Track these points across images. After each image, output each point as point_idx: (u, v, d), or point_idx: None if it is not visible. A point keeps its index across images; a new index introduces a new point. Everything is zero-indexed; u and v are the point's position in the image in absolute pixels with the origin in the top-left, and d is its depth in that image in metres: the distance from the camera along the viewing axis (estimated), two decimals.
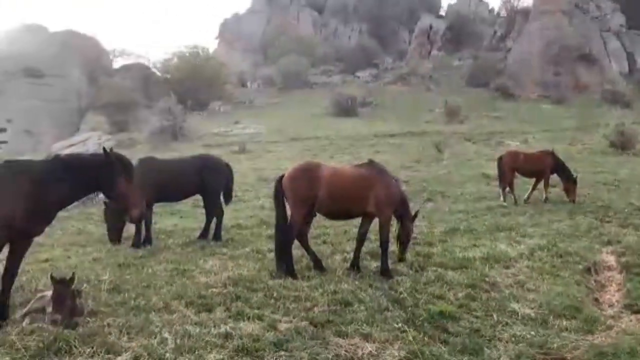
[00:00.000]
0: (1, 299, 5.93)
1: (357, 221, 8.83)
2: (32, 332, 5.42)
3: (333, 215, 8.70)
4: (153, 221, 10.80)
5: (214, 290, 7.14)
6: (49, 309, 5.65)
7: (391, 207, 8.29)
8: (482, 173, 19.05)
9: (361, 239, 8.59)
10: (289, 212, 8.26)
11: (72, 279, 5.63)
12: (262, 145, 29.94)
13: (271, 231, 10.98)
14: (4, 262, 6.04)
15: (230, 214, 12.08)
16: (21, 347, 5.03)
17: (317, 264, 8.33)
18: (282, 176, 8.36)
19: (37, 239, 10.85)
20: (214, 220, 10.79)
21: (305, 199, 8.04)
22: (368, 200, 8.11)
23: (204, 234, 10.81)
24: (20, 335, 5.31)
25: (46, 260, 9.14)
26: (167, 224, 12.59)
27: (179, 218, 13.71)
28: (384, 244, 8.30)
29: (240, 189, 16.51)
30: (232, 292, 7.01)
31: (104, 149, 6.24)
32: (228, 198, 11.32)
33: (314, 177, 8.02)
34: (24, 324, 5.64)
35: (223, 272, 7.95)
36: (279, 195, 8.32)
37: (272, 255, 9.15)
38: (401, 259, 8.47)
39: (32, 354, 4.93)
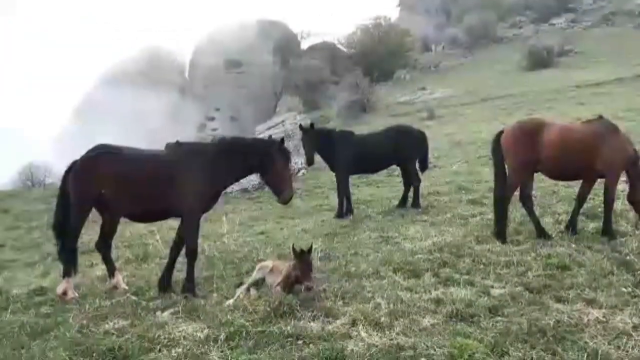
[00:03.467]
0: (169, 268, 6.67)
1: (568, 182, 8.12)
2: (260, 297, 6.00)
3: (557, 175, 8.09)
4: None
5: (420, 256, 7.14)
6: (272, 278, 6.18)
7: (621, 167, 7.40)
8: None
9: (582, 199, 7.86)
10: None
11: (310, 250, 5.95)
12: (451, 109, 29.12)
13: (471, 196, 10.77)
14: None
15: (427, 181, 11.99)
16: (252, 311, 5.60)
17: (540, 230, 7.70)
18: (501, 132, 7.94)
19: (253, 214, 12.08)
20: (412, 188, 10.81)
21: (525, 160, 7.57)
22: (596, 159, 7.32)
23: (402, 202, 10.90)
24: (250, 300, 5.91)
25: (262, 233, 10.04)
26: (364, 194, 12.95)
27: (376, 188, 14.02)
28: (609, 203, 7.48)
29: (433, 156, 16.29)
30: (439, 258, 6.95)
31: (270, 136, 6.84)
32: (424, 166, 11.24)
33: (537, 137, 7.45)
34: (251, 292, 6.21)
35: (427, 239, 7.93)
36: (496, 154, 7.93)
37: (475, 220, 8.92)
38: None
39: (261, 316, 5.45)
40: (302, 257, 5.80)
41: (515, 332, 4.77)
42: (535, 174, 7.96)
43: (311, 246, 5.93)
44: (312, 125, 10.89)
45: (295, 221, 10.84)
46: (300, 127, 11.01)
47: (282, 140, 6.61)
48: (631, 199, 7.51)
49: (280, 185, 6.47)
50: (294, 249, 5.89)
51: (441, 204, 10.62)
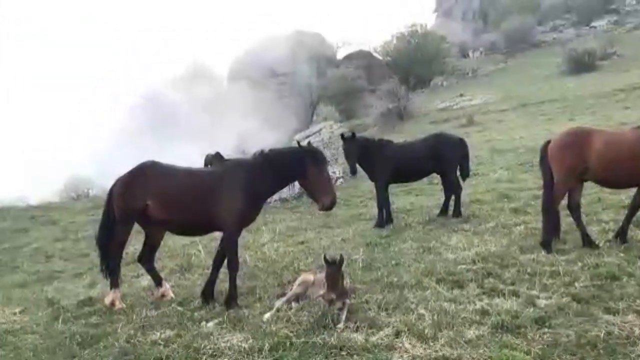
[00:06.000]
0: (213, 279, 6.75)
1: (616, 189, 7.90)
2: (303, 308, 6.03)
3: (607, 184, 7.93)
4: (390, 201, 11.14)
5: (463, 266, 7.05)
6: (314, 291, 6.18)
7: None
8: None
9: (635, 208, 7.62)
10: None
11: (341, 261, 5.88)
12: (490, 116, 28.69)
13: (514, 204, 10.58)
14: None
15: (467, 189, 11.83)
16: (296, 322, 5.64)
17: (587, 239, 7.53)
18: (549, 142, 7.89)
19: (292, 224, 12.15)
20: (452, 196, 10.70)
21: (572, 170, 7.48)
22: None
23: (444, 211, 10.79)
24: (294, 311, 5.95)
25: (302, 243, 10.06)
26: (404, 203, 12.86)
27: (415, 196, 13.91)
28: None
29: (474, 163, 16.07)
30: (483, 269, 6.84)
31: (298, 142, 6.73)
32: (465, 173, 11.10)
33: (584, 146, 7.36)
34: (293, 304, 6.21)
35: (470, 249, 7.81)
36: (544, 162, 7.87)
37: (519, 229, 8.75)
38: None
39: (305, 328, 5.48)
40: (329, 267, 5.76)
41: (564, 344, 4.66)
42: (583, 183, 7.81)
43: (341, 257, 5.86)
44: (353, 134, 10.91)
45: (335, 231, 10.85)
46: (342, 136, 11.03)
47: (312, 146, 6.67)
48: None
49: (319, 191, 6.42)
50: (325, 259, 5.86)
51: (483, 213, 10.46)
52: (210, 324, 5.88)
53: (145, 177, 6.73)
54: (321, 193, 6.40)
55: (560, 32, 57.15)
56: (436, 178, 12.44)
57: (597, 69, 36.79)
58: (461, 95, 38.56)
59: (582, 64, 37.16)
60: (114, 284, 6.99)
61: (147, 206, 6.61)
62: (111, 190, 7.04)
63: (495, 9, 64.07)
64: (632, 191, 7.74)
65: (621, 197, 9.56)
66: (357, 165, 10.74)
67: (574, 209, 7.75)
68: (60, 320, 6.66)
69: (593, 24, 55.92)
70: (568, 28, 57.86)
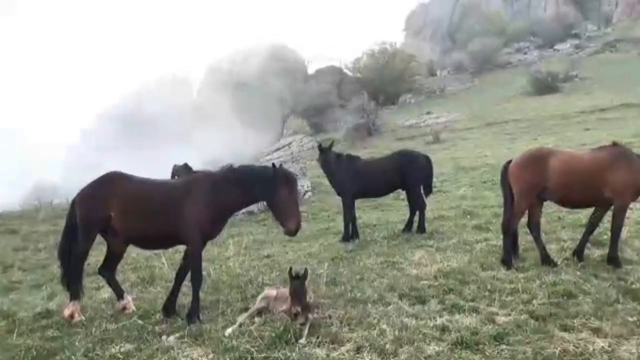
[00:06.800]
0: (175, 293, 6.68)
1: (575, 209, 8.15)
2: (265, 323, 6.01)
3: (565, 203, 8.12)
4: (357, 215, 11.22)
5: (425, 282, 7.15)
6: (277, 306, 6.17)
7: (630, 194, 7.39)
8: None
9: (592, 227, 7.89)
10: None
11: (305, 276, 5.90)
12: (456, 134, 29.25)
13: (476, 221, 10.79)
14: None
15: (432, 205, 12.02)
16: (258, 336, 5.61)
17: (546, 258, 7.72)
18: (510, 161, 8.09)
19: (259, 237, 12.11)
20: (417, 212, 10.85)
21: (531, 189, 7.67)
22: (604, 187, 7.31)
23: (408, 227, 10.93)
24: (257, 326, 5.92)
25: (268, 256, 10.04)
26: (370, 218, 12.97)
27: (381, 212, 14.05)
28: (616, 230, 7.46)
29: (439, 180, 16.34)
30: (444, 285, 6.95)
31: (273, 164, 6.59)
32: (428, 190, 11.29)
33: (543, 166, 7.55)
34: (256, 319, 6.17)
35: (432, 265, 7.92)
36: (505, 182, 8.06)
37: (480, 246, 8.93)
38: None
39: (267, 342, 5.46)
40: (294, 282, 5.78)
41: None
42: (543, 202, 8.03)
43: (306, 271, 5.89)
44: (331, 145, 11.09)
45: (301, 245, 10.86)
46: (319, 146, 11.16)
47: (281, 166, 6.54)
48: None
49: (286, 215, 6.28)
50: (290, 273, 5.88)
51: (446, 229, 10.64)
52: (171, 338, 5.80)
53: (109, 188, 6.63)
54: (288, 217, 6.26)
55: (525, 54, 58.83)
56: (402, 194, 12.61)
57: (560, 90, 37.93)
58: (428, 113, 39.24)
59: (545, 86, 38.30)
60: (74, 296, 6.83)
61: (110, 218, 6.51)
62: (74, 200, 6.91)
63: (463, 30, 65.52)
64: (590, 210, 8.00)
65: (579, 216, 9.86)
66: (325, 179, 10.84)
67: (534, 227, 7.94)
68: (15, 333, 6.46)
69: (556, 47, 57.75)
70: (532, 50, 59.64)
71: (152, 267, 9.67)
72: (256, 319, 6.13)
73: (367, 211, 14.00)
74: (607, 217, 7.84)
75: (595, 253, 8.05)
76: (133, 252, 10.33)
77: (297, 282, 5.77)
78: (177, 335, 5.87)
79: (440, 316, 5.89)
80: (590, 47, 54.25)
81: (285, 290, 6.11)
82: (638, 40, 48.97)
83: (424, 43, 71.21)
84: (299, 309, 5.64)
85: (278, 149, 23.99)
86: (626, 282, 6.68)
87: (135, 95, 56.30)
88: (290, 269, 5.95)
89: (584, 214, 9.10)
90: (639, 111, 26.25)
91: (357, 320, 5.89)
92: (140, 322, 6.46)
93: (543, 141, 21.07)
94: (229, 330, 5.82)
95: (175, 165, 16.10)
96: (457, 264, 7.87)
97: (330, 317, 6.07)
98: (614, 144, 7.70)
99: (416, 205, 10.86)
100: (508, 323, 5.61)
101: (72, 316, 6.72)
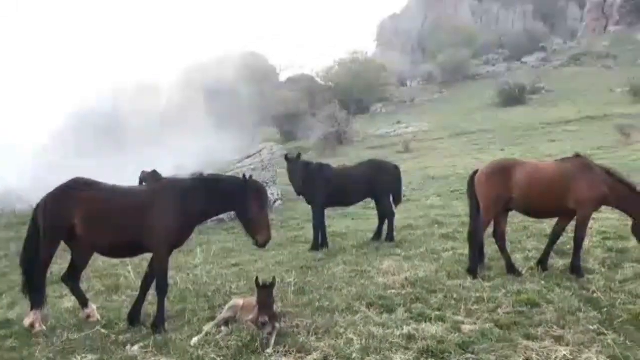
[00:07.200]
0: (140, 301, 6.60)
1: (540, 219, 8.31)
2: (232, 332, 5.95)
3: (530, 213, 8.29)
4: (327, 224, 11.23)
5: (393, 291, 7.19)
6: (244, 315, 6.11)
7: (594, 205, 7.61)
8: None
9: (555, 237, 8.04)
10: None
11: (273, 284, 5.86)
12: (426, 143, 29.62)
13: (444, 231, 10.91)
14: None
15: (400, 215, 12.11)
16: (224, 346, 5.56)
17: (510, 267, 7.85)
18: (476, 172, 8.21)
19: (228, 245, 12.00)
20: (386, 221, 10.92)
21: (497, 199, 7.79)
22: (567, 198, 7.50)
23: (377, 236, 10.99)
24: (223, 335, 5.86)
25: (236, 265, 9.96)
26: (340, 227, 13.00)
27: (351, 220, 14.09)
28: (579, 240, 7.62)
29: (408, 189, 16.49)
30: (412, 293, 7.00)
31: (243, 175, 6.53)
32: (397, 200, 11.38)
33: (509, 177, 7.69)
34: (222, 329, 6.10)
35: (400, 273, 7.96)
36: (471, 192, 8.17)
37: (448, 255, 9.03)
38: None
39: (233, 352, 5.41)
40: (262, 291, 5.74)
41: None
42: (509, 212, 8.16)
43: (274, 280, 5.88)
44: (299, 155, 11.03)
45: (270, 253, 10.80)
46: (286, 157, 11.06)
47: (251, 177, 6.47)
48: (635, 231, 7.56)
49: (257, 227, 6.26)
50: (256, 282, 5.84)
51: (415, 238, 10.73)
52: (135, 347, 5.70)
53: (73, 195, 6.49)
54: (259, 230, 6.24)
55: (493, 65, 60.04)
56: (372, 203, 12.67)
57: (527, 102, 38.79)
58: (398, 122, 39.65)
59: (513, 98, 39.13)
60: (36, 305, 6.65)
61: (74, 226, 6.37)
62: (38, 207, 6.75)
63: (433, 41, 66.55)
64: (555, 221, 8.18)
65: (544, 226, 10.06)
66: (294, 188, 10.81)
67: (499, 237, 8.07)
68: None
69: (524, 59, 59.06)
70: (501, 62, 60.87)
71: (117, 275, 9.51)
72: (223, 328, 6.07)
73: (337, 220, 14.02)
74: (571, 228, 8.02)
75: (559, 262, 8.20)
76: (98, 260, 10.13)
77: (265, 291, 5.72)
78: (142, 344, 5.78)
79: (407, 325, 5.91)
80: (556, 60, 55.74)
81: (253, 299, 6.03)
82: (602, 55, 50.63)
83: (394, 54, 72.06)
84: (266, 319, 5.59)
85: (249, 157, 23.81)
86: (588, 291, 6.82)
87: (105, 99, 55.30)
88: (257, 278, 5.90)
89: (549, 224, 9.27)
90: (602, 123, 27.05)
91: (325, 330, 5.88)
92: (104, 331, 6.35)
93: (509, 152, 21.53)
94: (194, 340, 5.75)
95: (143, 172, 15.83)
96: (425, 273, 7.93)
97: (297, 326, 6.05)
98: (577, 156, 7.89)
99: (385, 214, 10.93)
100: (473, 332, 5.67)
101: (32, 325, 6.55)
